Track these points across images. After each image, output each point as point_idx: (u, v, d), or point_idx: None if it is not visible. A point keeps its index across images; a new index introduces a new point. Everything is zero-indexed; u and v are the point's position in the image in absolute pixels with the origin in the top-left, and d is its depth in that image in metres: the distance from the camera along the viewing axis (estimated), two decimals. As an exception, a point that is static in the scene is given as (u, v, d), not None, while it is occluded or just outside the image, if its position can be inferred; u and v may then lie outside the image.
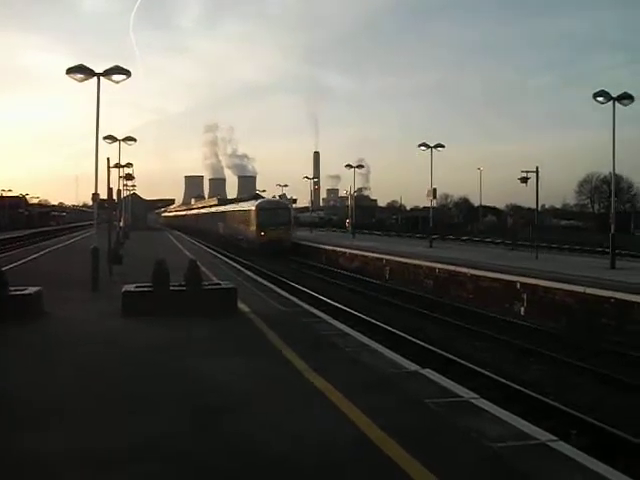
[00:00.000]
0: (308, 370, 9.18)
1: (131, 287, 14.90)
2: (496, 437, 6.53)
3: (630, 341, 16.02)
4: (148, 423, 7.01)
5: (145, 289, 14.66)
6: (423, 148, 41.21)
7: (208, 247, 48.11)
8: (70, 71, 18.58)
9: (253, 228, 49.38)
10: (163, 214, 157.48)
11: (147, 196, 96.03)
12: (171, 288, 14.64)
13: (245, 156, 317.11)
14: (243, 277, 23.75)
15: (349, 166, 60.60)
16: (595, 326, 17.76)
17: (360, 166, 62.57)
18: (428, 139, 42.24)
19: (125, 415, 7.33)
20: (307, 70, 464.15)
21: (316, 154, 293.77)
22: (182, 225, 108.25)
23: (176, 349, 10.77)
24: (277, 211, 49.75)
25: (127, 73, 19.19)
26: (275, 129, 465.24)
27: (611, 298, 17.77)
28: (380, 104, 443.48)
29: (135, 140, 33.86)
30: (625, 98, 25.72)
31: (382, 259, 33.00)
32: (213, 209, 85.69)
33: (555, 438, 6.61)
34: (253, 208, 50.94)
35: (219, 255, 38.19)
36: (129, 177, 52.20)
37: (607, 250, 28.71)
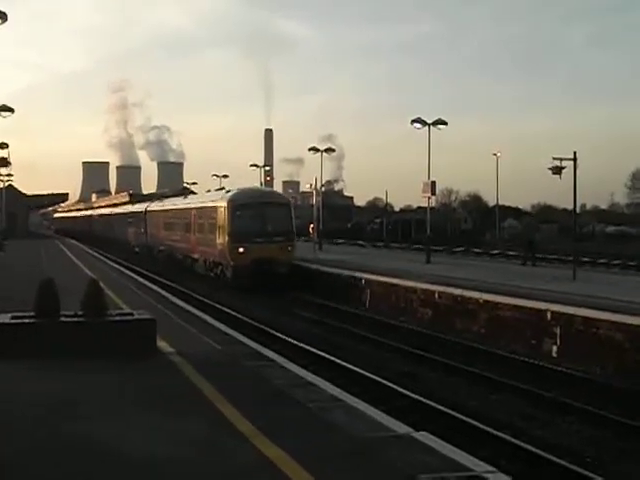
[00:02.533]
0: (256, 434, 9.16)
1: (6, 318, 14.73)
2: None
3: None
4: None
5: (25, 320, 14.51)
6: (418, 125, 41.48)
7: (126, 267, 45.92)
8: None
9: (221, 241, 39.01)
10: (56, 215, 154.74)
11: (29, 190, 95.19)
12: (62, 319, 14.53)
13: (166, 128, 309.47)
14: (168, 306, 23.64)
15: (314, 149, 59.79)
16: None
17: (330, 149, 61.91)
18: (424, 113, 42.48)
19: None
20: (256, 15, 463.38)
21: (268, 132, 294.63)
22: (83, 232, 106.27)
23: (70, 407, 10.65)
24: (268, 209, 39.32)
25: (2, 16, 19.05)
26: (209, 98, 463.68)
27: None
28: (359, 63, 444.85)
29: (12, 110, 33.66)
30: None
31: (360, 279, 33.09)
32: (137, 207, 76.07)
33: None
34: (222, 204, 39.69)
35: (141, 278, 36.73)
36: (4, 162, 51.77)
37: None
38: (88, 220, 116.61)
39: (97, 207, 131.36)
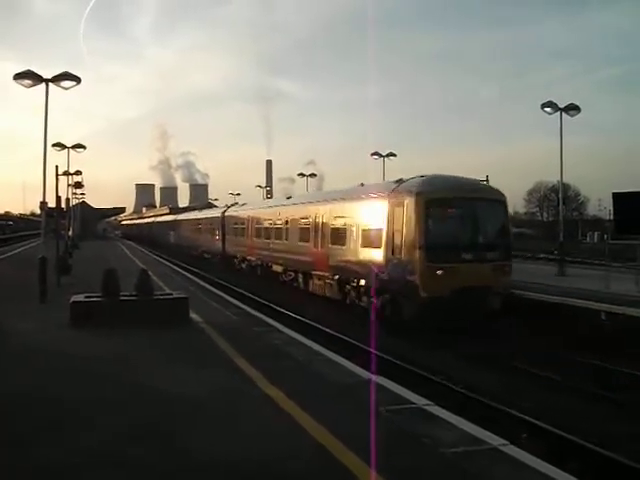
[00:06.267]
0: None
1: (80, 297, 14.67)
2: (450, 443, 6.71)
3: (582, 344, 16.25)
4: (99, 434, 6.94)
5: (95, 299, 14.47)
6: (376, 157, 41.56)
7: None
8: (18, 77, 18.24)
9: (399, 256, 18.68)
10: (122, 222, 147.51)
11: (97, 204, 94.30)
12: (121, 298, 14.49)
13: (192, 154, 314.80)
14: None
15: (302, 175, 60.46)
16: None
17: (313, 174, 62.39)
18: (381, 148, 42.51)
19: (85, 423, 7.26)
20: (260, 79, 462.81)
21: (269, 162, 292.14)
22: (144, 236, 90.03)
23: (126, 360, 10.65)
24: (480, 208, 19.25)
25: (77, 79, 18.97)
26: (227, 138, 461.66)
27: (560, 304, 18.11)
28: (333, 113, 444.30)
29: (84, 147, 33.49)
30: (572, 109, 26.51)
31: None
32: (210, 212, 53.62)
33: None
34: (404, 200, 18.90)
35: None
36: (78, 185, 51.42)
37: (556, 257, 29.28)
38: (149, 226, 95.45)
39: (159, 215, 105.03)
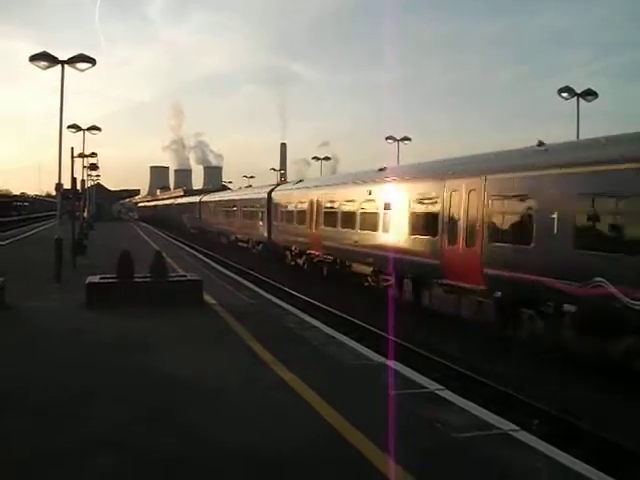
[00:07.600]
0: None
1: (95, 278, 14.80)
2: (459, 427, 6.71)
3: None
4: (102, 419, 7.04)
5: (110, 280, 14.59)
6: (390, 141, 41.45)
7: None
8: (34, 58, 18.32)
9: None
10: (139, 204, 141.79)
11: (111, 186, 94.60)
12: (136, 279, 14.60)
13: (203, 133, 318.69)
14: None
15: (316, 158, 60.53)
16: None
17: (327, 158, 62.43)
18: (391, 131, 42.52)
19: (96, 408, 7.36)
20: (272, 62, 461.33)
21: (283, 146, 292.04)
22: (160, 219, 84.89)
23: (140, 340, 10.76)
24: None
25: (92, 61, 19.00)
26: (241, 121, 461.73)
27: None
28: (348, 97, 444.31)
29: (100, 129, 33.57)
30: (589, 94, 26.30)
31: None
32: (249, 193, 44.37)
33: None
34: None
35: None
36: (93, 167, 51.63)
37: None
38: (167, 208, 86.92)
39: (179, 196, 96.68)
